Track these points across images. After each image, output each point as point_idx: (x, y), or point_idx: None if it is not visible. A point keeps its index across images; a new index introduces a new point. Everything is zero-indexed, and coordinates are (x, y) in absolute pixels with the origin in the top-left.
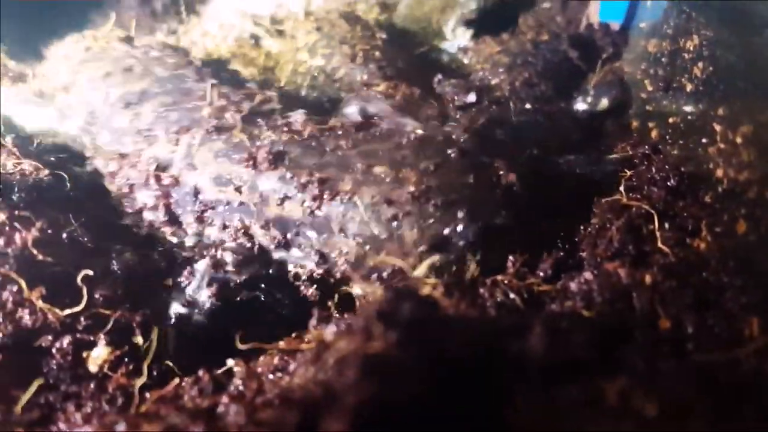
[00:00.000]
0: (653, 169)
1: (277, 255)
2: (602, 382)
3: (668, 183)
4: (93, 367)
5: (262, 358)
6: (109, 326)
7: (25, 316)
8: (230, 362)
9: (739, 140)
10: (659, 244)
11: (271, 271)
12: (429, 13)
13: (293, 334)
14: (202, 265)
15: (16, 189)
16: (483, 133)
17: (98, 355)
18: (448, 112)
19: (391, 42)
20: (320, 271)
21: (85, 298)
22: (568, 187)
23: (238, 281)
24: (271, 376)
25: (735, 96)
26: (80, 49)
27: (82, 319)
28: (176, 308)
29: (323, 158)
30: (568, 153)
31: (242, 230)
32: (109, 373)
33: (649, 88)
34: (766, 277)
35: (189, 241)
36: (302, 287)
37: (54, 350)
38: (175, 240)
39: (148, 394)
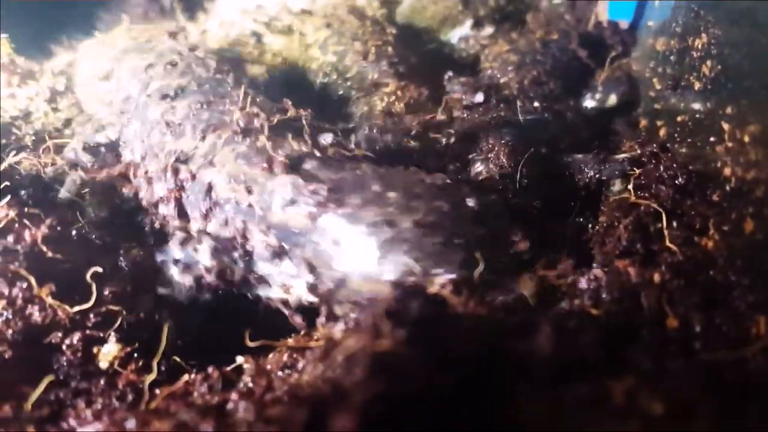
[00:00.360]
0: (661, 168)
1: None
2: (609, 381)
3: (676, 181)
4: (104, 364)
5: (271, 355)
6: (118, 323)
7: (35, 313)
8: (239, 359)
9: (746, 139)
10: (667, 243)
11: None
12: (431, 19)
13: (302, 332)
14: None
15: (26, 186)
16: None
17: (108, 352)
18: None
19: (402, 37)
20: (305, 291)
21: (95, 294)
22: (576, 186)
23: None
24: (280, 374)
25: (743, 95)
26: (126, 39)
27: (91, 315)
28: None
29: (339, 174)
30: (577, 151)
31: (242, 231)
32: (119, 369)
33: (658, 87)
34: None
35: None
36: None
37: (64, 347)
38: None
39: (158, 391)
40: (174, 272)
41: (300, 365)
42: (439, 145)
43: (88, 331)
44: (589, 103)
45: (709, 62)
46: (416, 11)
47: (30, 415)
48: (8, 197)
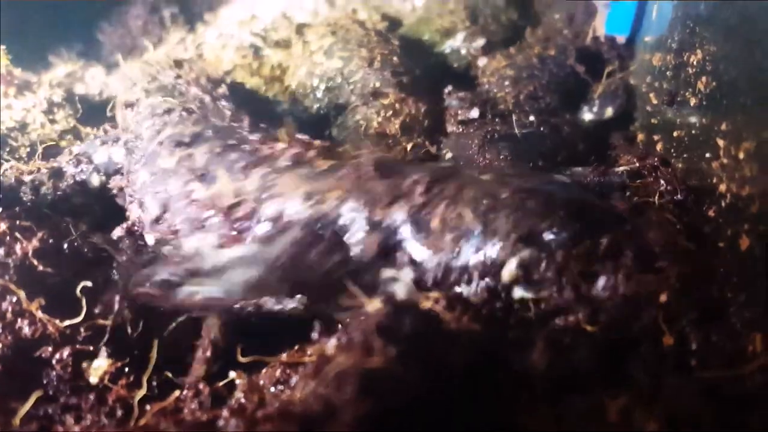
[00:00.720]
0: (661, 182)
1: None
2: (604, 397)
3: (675, 196)
4: (94, 379)
5: (264, 370)
6: (107, 337)
7: (25, 327)
8: (232, 374)
9: (741, 155)
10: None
11: None
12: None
13: (296, 347)
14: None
15: (19, 199)
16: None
17: (99, 366)
18: None
19: (406, 48)
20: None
21: (84, 309)
22: None
23: None
24: (273, 389)
25: (737, 111)
26: (146, 74)
27: (81, 330)
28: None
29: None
30: (574, 164)
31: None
32: (109, 384)
33: (654, 102)
34: None
35: None
36: None
37: (54, 361)
38: None
39: (148, 407)
40: None
41: (293, 381)
42: None
43: (78, 346)
44: (586, 116)
45: (704, 78)
46: (423, 23)
47: (19, 431)
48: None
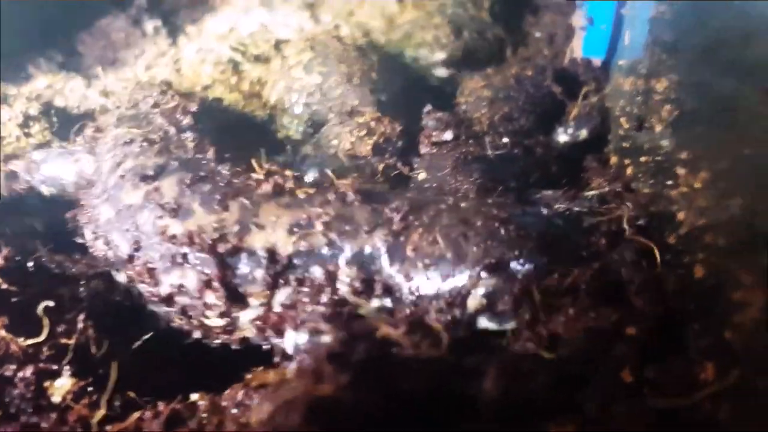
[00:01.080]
0: (626, 208)
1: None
2: (551, 425)
3: (638, 222)
4: (56, 398)
5: (227, 391)
6: (69, 356)
7: None
8: (194, 396)
9: (698, 185)
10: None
11: None
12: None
13: (261, 367)
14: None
15: None
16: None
17: (62, 386)
18: None
19: (386, 64)
20: None
21: (47, 328)
22: None
23: None
24: (234, 411)
25: (696, 140)
26: (131, 99)
27: (44, 349)
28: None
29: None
30: (546, 186)
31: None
32: (71, 404)
33: (626, 126)
34: (721, 322)
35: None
36: None
37: (17, 380)
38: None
39: (108, 428)
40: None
41: (255, 403)
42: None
43: (41, 365)
44: (561, 137)
45: (668, 106)
46: (406, 39)
47: None
48: None
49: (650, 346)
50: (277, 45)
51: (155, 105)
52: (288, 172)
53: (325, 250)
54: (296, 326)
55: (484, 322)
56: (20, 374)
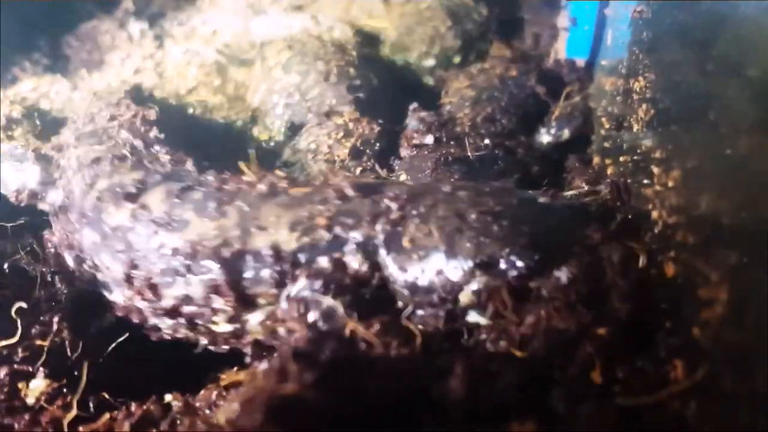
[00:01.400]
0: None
1: None
2: (514, 425)
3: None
4: (30, 399)
5: (202, 392)
6: (43, 358)
7: None
8: (168, 397)
9: (670, 184)
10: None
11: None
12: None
13: (235, 368)
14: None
15: None
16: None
17: (36, 387)
18: None
19: (366, 60)
20: None
21: (20, 330)
22: None
23: None
24: (207, 411)
25: (669, 140)
26: (86, 114)
27: (19, 350)
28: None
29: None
30: (527, 187)
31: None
32: (45, 405)
33: (607, 126)
34: (691, 321)
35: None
36: None
37: None
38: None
39: (81, 428)
40: None
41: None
42: None
43: (15, 366)
44: (544, 138)
45: (644, 105)
46: (403, 36)
47: None
48: None
49: (621, 345)
50: (263, 48)
51: (112, 118)
52: (279, 172)
53: (329, 243)
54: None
55: (474, 317)
56: None
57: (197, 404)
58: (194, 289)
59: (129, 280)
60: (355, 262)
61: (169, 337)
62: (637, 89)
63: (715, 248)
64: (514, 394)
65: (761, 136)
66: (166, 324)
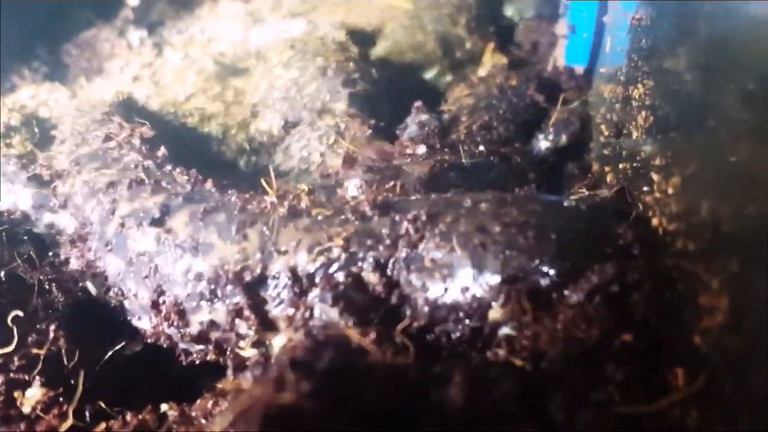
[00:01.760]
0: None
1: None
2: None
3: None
4: (27, 408)
5: (199, 401)
6: (39, 367)
7: None
8: (164, 406)
9: (670, 191)
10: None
11: None
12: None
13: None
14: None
15: None
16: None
17: (32, 396)
18: None
19: (366, 58)
20: None
21: (16, 338)
22: None
23: None
24: (204, 421)
25: (668, 146)
26: (75, 135)
27: (15, 359)
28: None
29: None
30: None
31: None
32: (41, 414)
33: (606, 133)
34: (691, 328)
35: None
36: None
37: None
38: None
39: None
40: None
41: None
42: None
43: (12, 375)
44: (543, 144)
45: (644, 113)
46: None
47: None
48: None
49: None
50: (262, 54)
51: (107, 138)
52: (302, 187)
53: (345, 261)
54: None
55: (506, 331)
56: None
57: (193, 413)
58: (218, 315)
59: (156, 306)
60: (373, 279)
61: (200, 362)
62: (636, 96)
63: (715, 255)
64: (514, 403)
65: (760, 142)
66: (195, 349)
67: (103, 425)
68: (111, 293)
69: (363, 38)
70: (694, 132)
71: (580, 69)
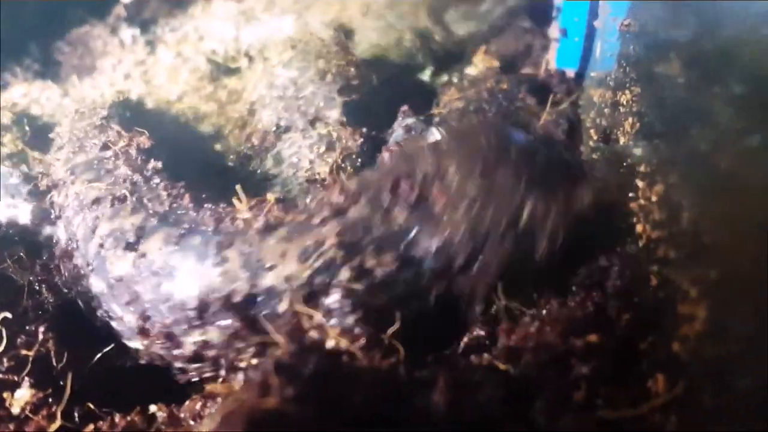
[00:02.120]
0: None
1: None
2: None
3: None
4: (16, 409)
5: (187, 403)
6: (28, 368)
7: None
8: (152, 408)
9: (654, 198)
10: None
11: None
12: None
13: (221, 379)
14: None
15: None
16: None
17: (21, 397)
18: None
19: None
20: None
21: (5, 339)
22: None
23: None
24: (192, 423)
25: (653, 154)
26: (72, 141)
27: (4, 360)
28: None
29: None
30: None
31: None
32: (30, 415)
33: (595, 138)
34: (671, 334)
35: None
36: None
37: None
38: None
39: None
40: None
41: None
42: None
43: (1, 375)
44: None
45: (630, 119)
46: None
47: None
48: None
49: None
50: (255, 53)
51: (105, 147)
52: (270, 197)
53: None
54: None
55: None
56: None
57: (182, 415)
58: (213, 336)
59: (143, 331)
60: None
61: (198, 379)
62: (624, 102)
63: (695, 263)
64: (498, 407)
65: (746, 150)
66: (192, 367)
67: (91, 426)
68: (98, 313)
69: (353, 37)
70: (677, 139)
71: (571, 72)
